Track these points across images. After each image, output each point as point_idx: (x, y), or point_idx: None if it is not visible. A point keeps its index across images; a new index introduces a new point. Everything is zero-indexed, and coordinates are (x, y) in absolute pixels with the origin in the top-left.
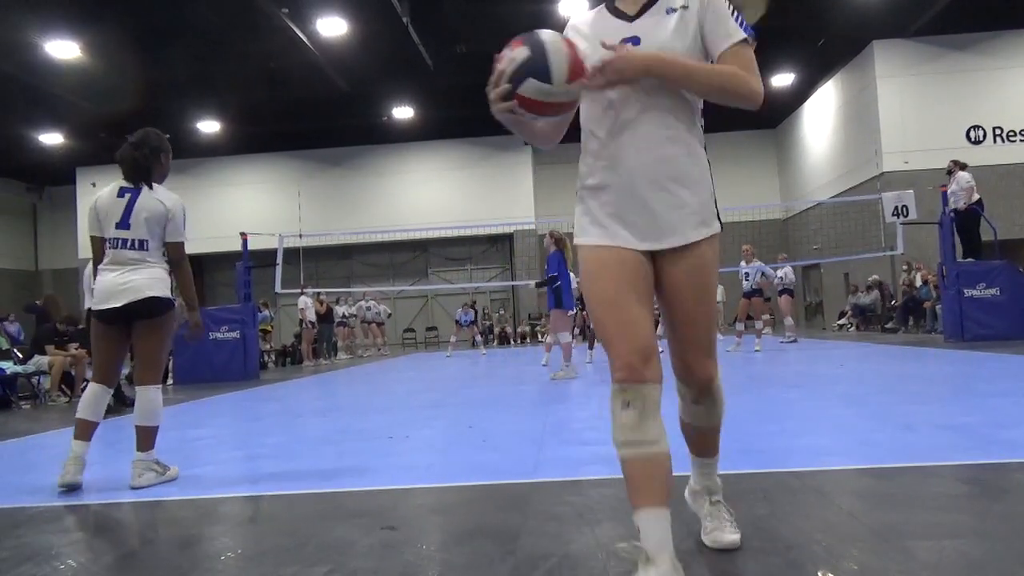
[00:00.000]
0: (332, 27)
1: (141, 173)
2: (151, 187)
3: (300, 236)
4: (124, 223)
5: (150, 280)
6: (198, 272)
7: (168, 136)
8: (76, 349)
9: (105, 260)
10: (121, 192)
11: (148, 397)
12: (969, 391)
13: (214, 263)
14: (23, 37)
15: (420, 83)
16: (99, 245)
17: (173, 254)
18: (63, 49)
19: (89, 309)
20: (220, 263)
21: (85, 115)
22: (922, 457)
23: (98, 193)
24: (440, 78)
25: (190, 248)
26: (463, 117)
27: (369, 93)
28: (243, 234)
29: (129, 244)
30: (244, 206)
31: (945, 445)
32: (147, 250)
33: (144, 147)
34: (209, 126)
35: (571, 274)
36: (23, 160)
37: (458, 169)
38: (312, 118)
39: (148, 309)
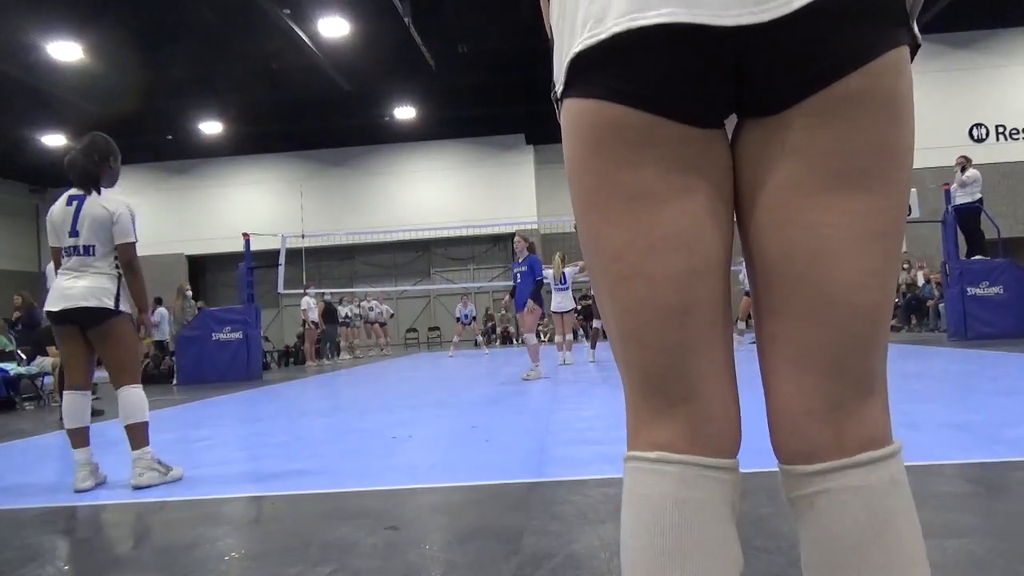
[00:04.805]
0: (333, 27)
1: (89, 180)
2: (99, 192)
3: (302, 236)
4: (74, 231)
5: (88, 289)
6: (200, 272)
7: (170, 137)
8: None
9: (61, 267)
10: (70, 200)
11: (126, 396)
12: (972, 390)
13: (216, 264)
14: (25, 39)
15: (422, 83)
16: (56, 254)
17: (123, 255)
18: (65, 50)
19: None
20: (222, 264)
21: (87, 116)
22: (925, 456)
23: (53, 204)
24: (442, 78)
25: (193, 249)
26: (465, 117)
27: (371, 93)
28: (245, 235)
29: (77, 251)
30: (246, 207)
31: (949, 444)
32: (93, 255)
33: (93, 153)
34: (211, 127)
35: (545, 270)
36: (25, 161)
37: (460, 169)
38: (314, 118)
39: (86, 317)
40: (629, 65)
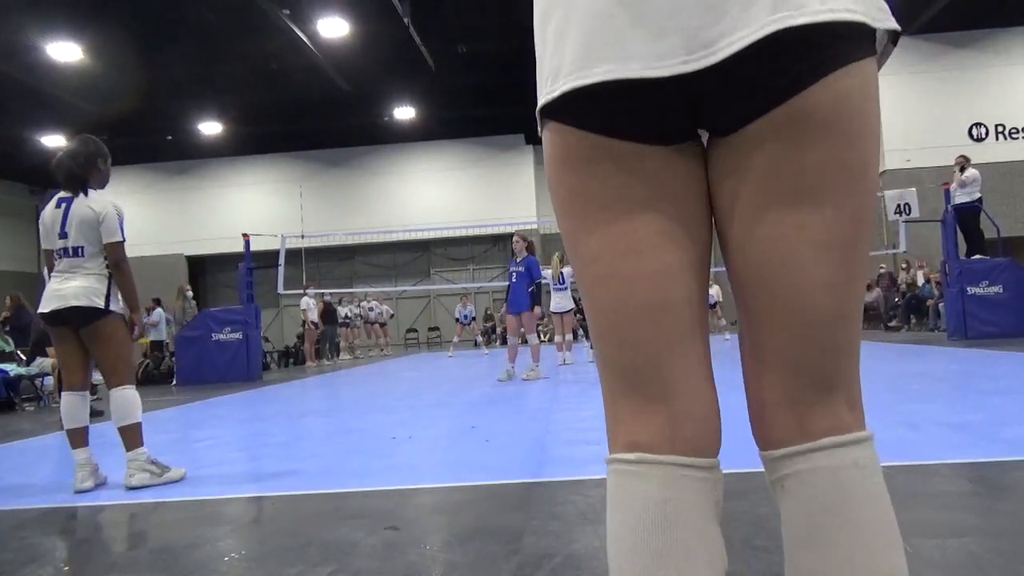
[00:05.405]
0: (333, 28)
1: (76, 182)
2: (86, 194)
3: (302, 237)
4: (63, 232)
5: (79, 289)
6: (200, 273)
7: (169, 137)
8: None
9: (54, 269)
10: (59, 203)
11: (118, 398)
12: (972, 389)
13: (216, 264)
14: (25, 39)
15: (421, 83)
16: (48, 256)
17: (111, 255)
18: (65, 51)
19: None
20: (222, 264)
21: (87, 117)
22: (925, 455)
23: (44, 207)
24: (441, 78)
25: (193, 249)
26: (464, 117)
27: (370, 93)
28: (245, 235)
29: (68, 252)
30: (246, 207)
31: (948, 443)
32: (83, 256)
33: (79, 156)
34: (211, 127)
35: (543, 271)
36: (25, 162)
37: (460, 169)
38: (313, 118)
39: (77, 317)
40: (582, 111)
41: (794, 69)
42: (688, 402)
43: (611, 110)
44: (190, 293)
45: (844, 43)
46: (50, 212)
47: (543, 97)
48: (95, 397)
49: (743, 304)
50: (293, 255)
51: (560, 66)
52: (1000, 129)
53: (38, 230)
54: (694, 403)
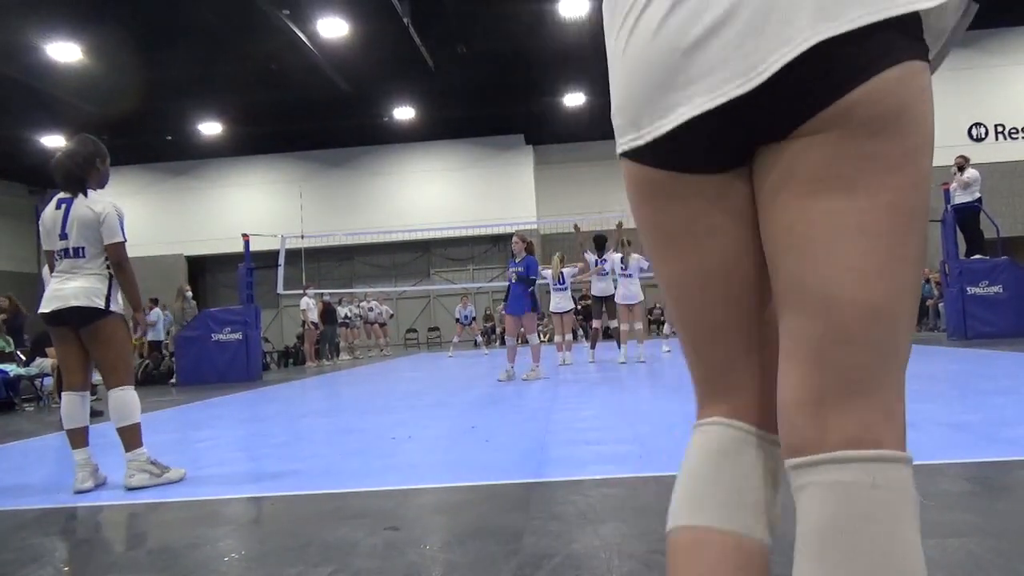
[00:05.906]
0: (333, 28)
1: (74, 182)
2: (85, 195)
3: (302, 237)
4: (63, 234)
5: (79, 289)
6: (200, 273)
7: (169, 138)
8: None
9: (55, 270)
10: (59, 204)
11: (117, 398)
12: (972, 389)
13: (216, 264)
14: (24, 40)
15: (421, 83)
16: (49, 257)
17: (112, 255)
18: (64, 51)
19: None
20: (222, 264)
21: (87, 117)
22: (926, 455)
23: (44, 208)
24: (441, 78)
25: (193, 249)
26: (464, 117)
27: (370, 94)
28: (245, 235)
29: (68, 253)
30: (246, 207)
31: (948, 443)
32: (84, 257)
33: (77, 156)
34: (210, 127)
35: (542, 272)
36: (24, 163)
37: (459, 169)
38: (313, 119)
39: (77, 317)
40: (657, 150)
41: (838, 74)
42: (756, 395)
43: (681, 146)
44: (190, 293)
45: (888, 40)
46: (50, 213)
47: (624, 145)
48: (94, 397)
49: (778, 302)
50: (293, 255)
51: (640, 111)
52: (1000, 129)
53: (37, 230)
54: (761, 396)
